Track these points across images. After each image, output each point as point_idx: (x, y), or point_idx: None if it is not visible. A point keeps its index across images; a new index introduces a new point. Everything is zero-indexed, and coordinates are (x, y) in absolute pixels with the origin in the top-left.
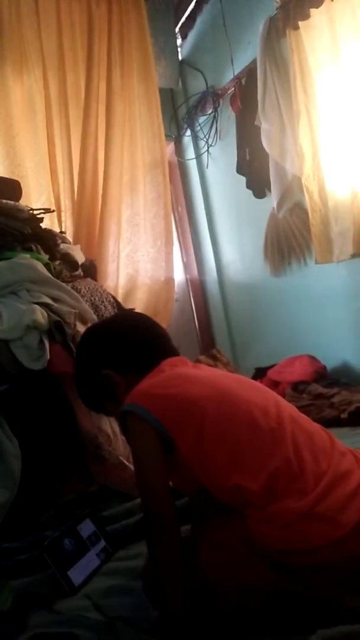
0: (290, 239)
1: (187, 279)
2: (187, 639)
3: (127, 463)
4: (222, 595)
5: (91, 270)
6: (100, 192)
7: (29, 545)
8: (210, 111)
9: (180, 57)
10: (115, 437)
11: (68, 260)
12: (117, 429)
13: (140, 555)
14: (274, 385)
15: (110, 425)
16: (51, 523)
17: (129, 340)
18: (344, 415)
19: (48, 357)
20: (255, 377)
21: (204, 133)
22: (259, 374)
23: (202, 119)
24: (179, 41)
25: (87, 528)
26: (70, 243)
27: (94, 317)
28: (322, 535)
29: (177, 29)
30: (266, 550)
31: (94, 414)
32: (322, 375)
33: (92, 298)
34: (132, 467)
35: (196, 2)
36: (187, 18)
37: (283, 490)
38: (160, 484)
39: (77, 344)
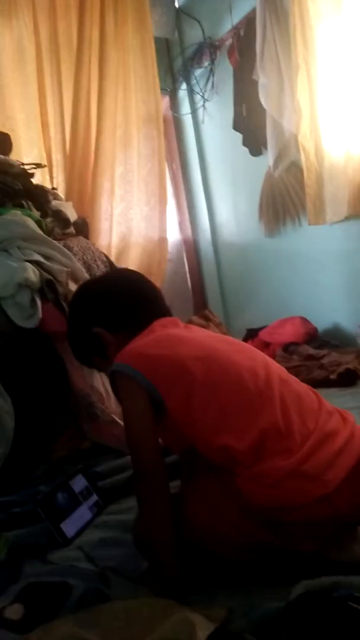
0: (286, 198)
1: (181, 239)
2: (176, 589)
3: (119, 420)
4: (209, 547)
5: (83, 228)
6: (93, 146)
7: (23, 499)
8: (207, 63)
9: (176, 5)
10: (107, 395)
11: (60, 218)
12: (109, 387)
13: (131, 509)
14: (265, 346)
15: (102, 384)
16: (44, 478)
17: (121, 299)
18: (333, 376)
19: (40, 315)
20: (246, 338)
21: (200, 87)
22: (251, 334)
23: (198, 72)
24: None
25: (79, 483)
26: (62, 200)
27: (86, 275)
28: (308, 492)
29: None
30: (253, 506)
31: (87, 373)
32: (312, 336)
33: (84, 256)
34: (122, 425)
35: None
36: None
37: (270, 450)
38: (150, 441)
39: (70, 301)
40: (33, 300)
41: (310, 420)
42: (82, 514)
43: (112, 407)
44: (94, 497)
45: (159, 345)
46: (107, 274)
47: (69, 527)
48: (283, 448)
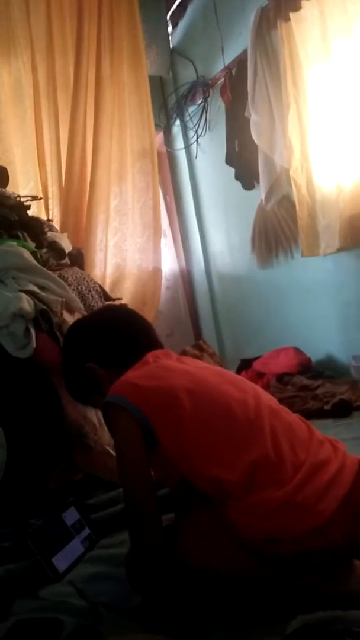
0: (278, 231)
1: (179, 269)
2: (167, 624)
3: (112, 452)
4: (204, 580)
5: (78, 259)
6: (89, 180)
7: (14, 533)
8: (200, 101)
9: (170, 46)
10: (100, 426)
11: (55, 249)
12: (102, 418)
13: (124, 542)
14: (259, 376)
15: (95, 414)
16: (36, 511)
17: (113, 335)
18: (327, 407)
19: (34, 345)
20: (240, 368)
21: (193, 123)
22: (245, 365)
23: (191, 109)
24: (169, 29)
25: (71, 516)
26: (57, 231)
27: (81, 306)
28: (301, 524)
29: (168, 17)
30: (247, 539)
31: (80, 405)
32: (306, 367)
33: (79, 287)
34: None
35: None
36: (178, 6)
37: (262, 481)
38: (142, 474)
39: (64, 337)
40: (27, 330)
41: (301, 450)
42: (74, 548)
43: (105, 438)
44: (87, 531)
45: (151, 376)
46: (99, 310)
47: (61, 561)
48: (275, 479)
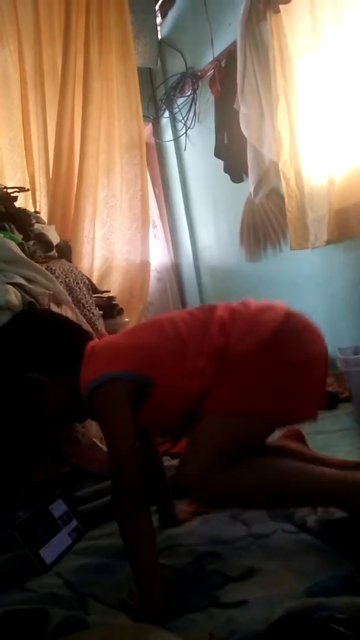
0: (266, 224)
1: (170, 261)
2: (157, 613)
3: (99, 444)
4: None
5: (66, 251)
6: (76, 171)
7: (1, 525)
8: (189, 93)
9: (159, 36)
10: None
11: (42, 241)
12: None
13: (112, 534)
14: None
15: None
16: (23, 503)
17: (50, 338)
18: None
19: None
20: None
21: (182, 115)
22: None
23: (180, 101)
24: (158, 20)
25: (59, 508)
26: (44, 223)
27: (69, 298)
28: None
29: (156, 7)
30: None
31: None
32: None
33: (66, 279)
34: (104, 448)
35: None
36: None
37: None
38: (134, 458)
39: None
40: None
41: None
42: (62, 539)
43: (92, 430)
44: (74, 523)
45: (115, 347)
46: (23, 319)
47: (48, 553)
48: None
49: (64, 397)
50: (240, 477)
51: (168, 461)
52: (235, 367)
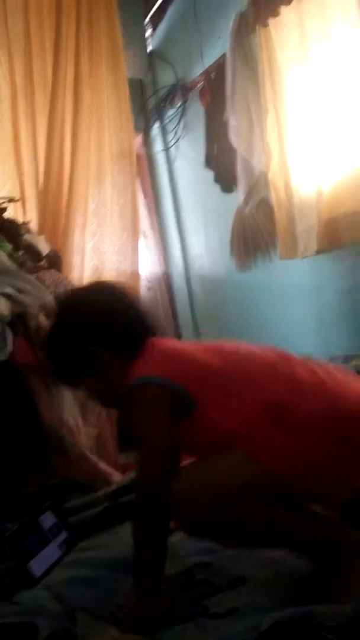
0: (256, 234)
1: (161, 270)
2: (147, 624)
3: (89, 455)
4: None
5: (56, 261)
6: (66, 181)
7: None
8: (179, 104)
9: (149, 48)
10: (78, 429)
11: (32, 251)
12: (80, 420)
13: (102, 546)
14: None
15: (73, 417)
16: (12, 515)
17: (122, 318)
18: None
19: (11, 348)
20: None
21: (172, 126)
22: None
23: (170, 112)
24: (148, 32)
25: (48, 520)
26: (34, 233)
27: None
28: None
29: (147, 20)
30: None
31: (57, 406)
32: None
33: (56, 289)
34: (94, 459)
35: None
36: (157, 9)
37: None
38: (167, 457)
39: (57, 317)
40: (3, 333)
41: None
42: (51, 552)
43: (82, 441)
44: (64, 534)
45: (173, 353)
46: (97, 289)
47: (37, 566)
48: None
49: (112, 378)
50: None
51: None
52: (294, 428)
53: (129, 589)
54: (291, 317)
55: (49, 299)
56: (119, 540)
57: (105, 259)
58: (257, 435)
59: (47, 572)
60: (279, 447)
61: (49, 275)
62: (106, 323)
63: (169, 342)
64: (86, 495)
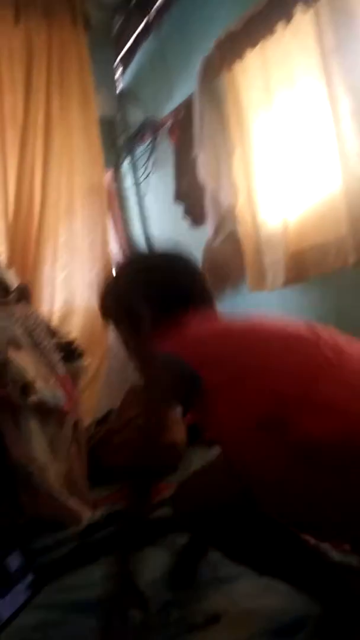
0: (225, 266)
1: None
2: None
3: (59, 492)
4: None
5: (25, 294)
6: (37, 216)
7: None
8: (149, 141)
9: (120, 88)
10: (47, 465)
11: (0, 284)
12: (49, 456)
13: (72, 588)
14: None
15: (42, 453)
16: None
17: (175, 283)
18: None
19: None
20: None
21: (142, 162)
22: None
23: (141, 149)
24: (119, 72)
25: (15, 561)
26: (3, 266)
27: (28, 341)
28: None
29: (117, 61)
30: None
31: (27, 442)
32: None
33: (25, 323)
34: (63, 496)
35: (136, 36)
36: (127, 50)
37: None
38: (159, 424)
39: (122, 267)
40: None
41: None
42: (18, 594)
43: (51, 477)
44: (31, 576)
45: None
46: (168, 255)
47: (3, 609)
48: None
49: (142, 338)
50: None
51: None
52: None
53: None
54: None
55: (18, 332)
56: (90, 581)
57: (76, 293)
58: (248, 449)
59: (14, 615)
60: (271, 468)
61: (18, 309)
62: (157, 282)
63: (203, 325)
64: (55, 534)
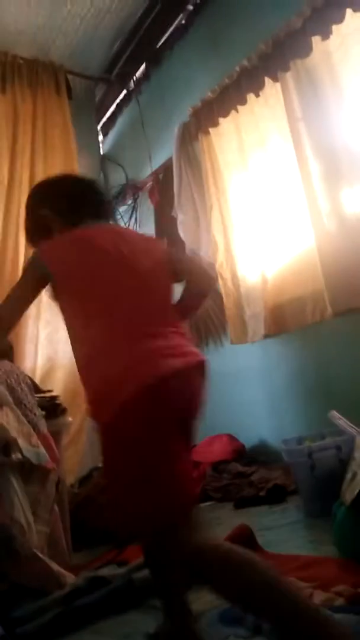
0: (207, 321)
1: None
2: None
3: (40, 556)
4: None
5: (8, 352)
6: (20, 272)
7: None
8: (130, 202)
9: (101, 152)
10: (29, 527)
11: None
12: (31, 518)
13: None
14: (195, 465)
15: (24, 514)
16: None
17: (73, 191)
18: (262, 493)
19: None
20: None
21: (124, 222)
22: None
23: (123, 209)
24: (100, 138)
25: None
26: None
27: (10, 399)
28: None
29: (99, 127)
30: None
31: (7, 503)
32: (241, 453)
33: (8, 380)
34: (45, 559)
35: (117, 105)
36: (108, 118)
37: None
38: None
39: (36, 186)
40: None
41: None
42: None
43: (33, 540)
44: None
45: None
46: (73, 175)
47: None
48: None
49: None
50: None
51: (115, 569)
52: None
53: None
54: (244, 399)
55: (0, 389)
56: None
57: (59, 348)
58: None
59: None
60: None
61: (1, 365)
62: (55, 191)
63: (90, 232)
64: (37, 601)
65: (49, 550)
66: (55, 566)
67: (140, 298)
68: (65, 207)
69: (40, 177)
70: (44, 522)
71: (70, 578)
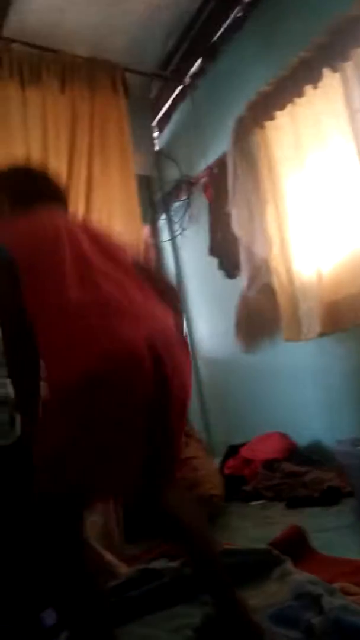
0: (260, 317)
1: None
2: None
3: (94, 545)
4: None
5: None
6: None
7: None
8: (184, 197)
9: (157, 148)
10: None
11: None
12: None
13: None
14: (247, 463)
15: None
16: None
17: (21, 177)
18: (316, 495)
19: (19, 432)
20: (228, 455)
21: (178, 217)
22: (232, 451)
23: (176, 205)
24: (156, 133)
25: (50, 618)
26: None
27: None
28: None
29: (154, 123)
30: None
31: None
32: (293, 452)
33: None
34: (99, 549)
35: (172, 100)
36: (164, 113)
37: None
38: None
39: None
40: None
41: None
42: None
43: (87, 529)
44: (65, 634)
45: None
46: (25, 165)
47: None
48: None
49: None
50: None
51: (166, 563)
52: None
53: None
54: (298, 399)
55: None
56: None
57: None
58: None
59: None
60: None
61: None
62: (7, 177)
63: (41, 221)
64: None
65: (103, 541)
66: (109, 556)
67: None
68: (27, 198)
69: (97, 174)
70: (97, 513)
71: (123, 569)
